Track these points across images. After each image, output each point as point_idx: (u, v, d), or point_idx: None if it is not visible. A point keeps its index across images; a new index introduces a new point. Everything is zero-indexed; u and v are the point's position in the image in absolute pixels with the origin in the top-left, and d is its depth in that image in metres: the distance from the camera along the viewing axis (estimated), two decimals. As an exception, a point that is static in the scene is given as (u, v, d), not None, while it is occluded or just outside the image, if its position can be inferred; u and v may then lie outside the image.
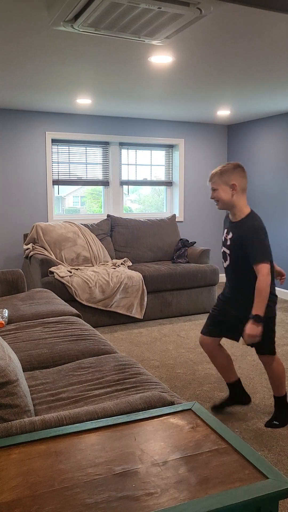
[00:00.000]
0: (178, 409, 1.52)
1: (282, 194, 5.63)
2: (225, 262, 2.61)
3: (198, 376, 3.40)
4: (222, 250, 2.62)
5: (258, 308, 2.40)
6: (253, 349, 3.92)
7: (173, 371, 3.48)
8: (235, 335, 2.69)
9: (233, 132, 6.41)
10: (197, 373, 3.44)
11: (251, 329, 2.39)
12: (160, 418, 1.47)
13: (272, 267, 2.48)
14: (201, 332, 2.78)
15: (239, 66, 3.40)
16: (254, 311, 2.40)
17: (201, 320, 4.78)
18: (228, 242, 2.54)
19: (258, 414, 2.82)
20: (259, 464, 1.21)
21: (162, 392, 1.91)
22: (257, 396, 3.06)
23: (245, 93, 4.35)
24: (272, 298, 2.52)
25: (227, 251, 2.55)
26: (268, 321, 2.53)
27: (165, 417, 1.48)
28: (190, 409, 1.53)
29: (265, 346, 2.59)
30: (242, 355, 3.79)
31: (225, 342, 4.04)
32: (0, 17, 2.46)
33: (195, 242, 5.50)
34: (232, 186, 2.47)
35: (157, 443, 1.33)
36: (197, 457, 1.26)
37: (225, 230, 2.61)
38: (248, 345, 2.51)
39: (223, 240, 2.60)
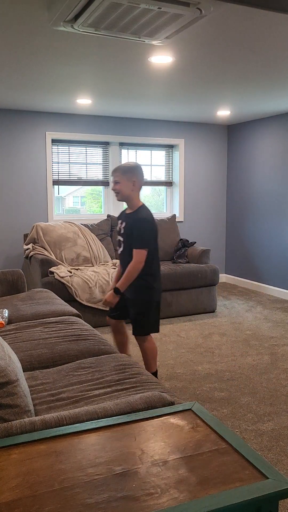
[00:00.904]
0: (178, 409, 1.52)
1: (282, 194, 5.63)
2: (119, 248, 3.01)
3: (198, 376, 3.40)
4: (117, 239, 3.02)
5: (122, 285, 2.86)
6: (253, 349, 3.93)
7: (173, 371, 3.48)
8: (127, 316, 3.10)
9: (233, 132, 6.41)
10: (197, 373, 3.44)
11: (109, 296, 2.90)
12: (160, 418, 1.47)
13: (153, 256, 2.89)
14: (108, 315, 3.18)
15: (239, 66, 3.40)
16: (118, 285, 2.86)
17: (201, 320, 4.79)
18: (122, 231, 2.95)
19: (258, 414, 2.82)
20: (259, 464, 1.21)
21: (162, 392, 1.91)
22: (257, 396, 3.07)
23: (245, 93, 4.35)
24: (158, 285, 2.95)
25: (121, 239, 2.96)
26: (150, 306, 2.93)
27: (165, 417, 1.48)
28: (190, 409, 1.53)
29: (139, 328, 2.98)
30: (242, 355, 3.79)
31: (233, 346, 4.04)
32: (0, 17, 2.46)
33: (195, 242, 5.51)
34: (133, 183, 2.89)
35: (157, 443, 1.33)
36: (197, 457, 1.26)
37: (119, 221, 3.01)
38: (134, 329, 2.97)
39: (118, 229, 3.01)
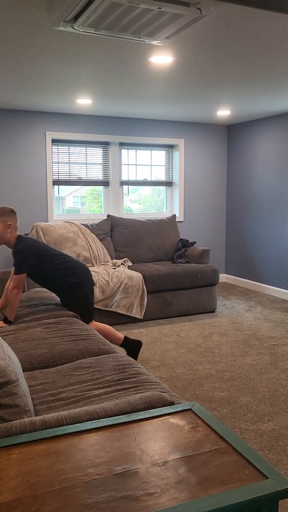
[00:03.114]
0: (178, 409, 1.52)
1: (282, 194, 5.63)
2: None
3: (198, 376, 3.40)
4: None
5: (8, 313, 3.08)
6: (253, 349, 3.93)
7: (173, 371, 3.48)
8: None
9: (233, 132, 6.41)
10: (197, 373, 3.44)
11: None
12: (160, 418, 1.47)
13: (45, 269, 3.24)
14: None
15: (239, 66, 3.40)
16: (6, 314, 3.11)
17: (201, 320, 4.79)
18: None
19: (258, 414, 2.82)
20: (259, 464, 1.21)
21: (162, 392, 1.91)
22: (257, 396, 3.07)
23: (245, 93, 4.35)
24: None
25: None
26: (76, 298, 3.29)
27: (165, 417, 1.48)
28: (190, 409, 1.53)
29: (83, 316, 3.32)
30: (242, 355, 3.79)
31: (233, 346, 4.03)
32: (0, 17, 2.46)
33: (195, 242, 5.51)
34: (8, 226, 3.13)
35: (157, 443, 1.33)
36: (197, 457, 1.26)
37: None
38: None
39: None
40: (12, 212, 3.15)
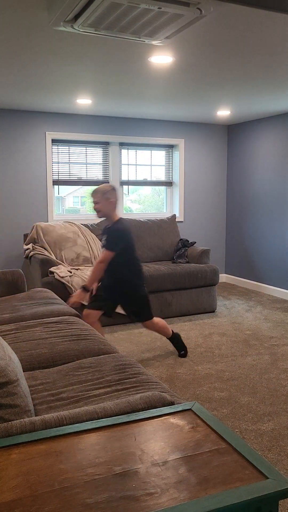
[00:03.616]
0: (178, 409, 1.52)
1: (282, 194, 5.63)
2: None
3: (198, 376, 3.40)
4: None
5: (90, 281, 3.34)
6: (253, 349, 3.93)
7: (173, 371, 3.48)
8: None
9: (233, 132, 6.41)
10: (197, 373, 3.44)
11: (78, 296, 3.34)
12: (160, 418, 1.47)
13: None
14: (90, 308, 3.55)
15: (239, 66, 3.40)
16: (86, 282, 3.36)
17: (201, 320, 4.79)
18: (104, 242, 3.37)
19: (258, 414, 2.82)
20: (259, 464, 1.21)
21: (162, 392, 1.91)
22: (257, 396, 3.07)
23: (245, 93, 4.35)
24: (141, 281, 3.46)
25: (103, 249, 3.40)
26: (139, 296, 3.45)
27: (165, 417, 1.48)
28: (190, 409, 1.53)
29: (140, 315, 3.51)
30: (242, 355, 3.79)
31: (233, 346, 4.03)
32: (0, 17, 2.46)
33: (195, 242, 5.51)
34: (110, 203, 3.33)
35: (157, 443, 1.33)
36: (197, 457, 1.26)
37: (103, 235, 3.44)
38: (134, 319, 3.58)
39: (101, 241, 3.45)
40: (113, 190, 3.37)
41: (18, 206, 5.35)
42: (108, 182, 3.29)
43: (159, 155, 6.20)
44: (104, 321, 4.54)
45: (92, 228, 5.25)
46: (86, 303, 3.48)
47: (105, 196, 3.33)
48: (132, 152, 5.98)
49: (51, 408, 1.81)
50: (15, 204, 5.33)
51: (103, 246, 3.34)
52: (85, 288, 3.34)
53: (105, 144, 5.79)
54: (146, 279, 3.57)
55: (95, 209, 3.37)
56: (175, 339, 3.74)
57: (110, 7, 2.11)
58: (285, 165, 5.57)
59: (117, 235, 3.31)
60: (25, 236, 5.18)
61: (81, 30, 2.39)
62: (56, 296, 3.69)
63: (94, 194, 3.35)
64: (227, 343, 4.09)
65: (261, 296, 5.80)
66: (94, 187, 6.01)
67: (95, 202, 3.35)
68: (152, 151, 6.12)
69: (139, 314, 3.50)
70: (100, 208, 3.35)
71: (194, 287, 4.95)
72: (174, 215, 5.79)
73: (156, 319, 3.58)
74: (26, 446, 1.32)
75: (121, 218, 3.39)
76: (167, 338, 3.71)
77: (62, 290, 4.35)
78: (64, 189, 5.86)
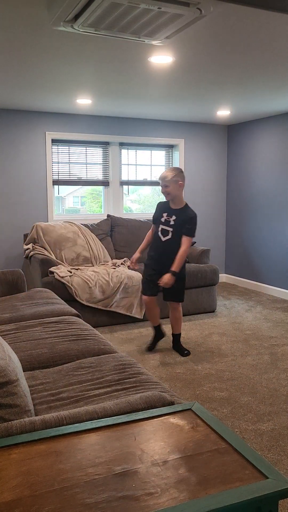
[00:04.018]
0: (178, 409, 1.52)
1: (282, 194, 5.63)
2: (164, 237, 3.65)
3: (198, 376, 3.40)
4: (162, 228, 3.66)
5: (177, 267, 3.52)
6: (253, 349, 3.93)
7: (173, 371, 3.48)
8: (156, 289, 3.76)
9: (233, 132, 6.41)
10: (197, 373, 3.44)
11: (169, 278, 3.50)
12: (160, 418, 1.47)
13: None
14: (146, 294, 3.77)
15: (239, 66, 3.40)
16: (174, 268, 3.52)
17: (201, 320, 4.79)
18: (172, 222, 3.61)
19: (258, 414, 2.82)
20: (259, 464, 1.21)
21: (162, 392, 1.91)
22: (257, 396, 3.07)
23: (245, 93, 4.35)
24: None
25: (170, 229, 3.62)
26: (184, 278, 3.71)
27: (165, 417, 1.48)
28: (190, 409, 1.53)
29: (182, 296, 3.74)
30: (242, 355, 3.79)
31: (233, 346, 4.03)
32: (0, 17, 2.46)
33: (195, 242, 5.50)
34: (180, 185, 3.57)
35: (157, 443, 1.33)
36: (197, 457, 1.26)
37: (165, 213, 3.66)
38: (166, 297, 3.76)
39: (164, 220, 3.66)
40: (181, 172, 3.59)
41: (18, 206, 5.35)
42: (172, 167, 3.60)
43: (159, 155, 6.20)
44: (104, 321, 4.54)
45: (92, 228, 5.25)
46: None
47: (174, 179, 3.54)
48: (132, 152, 5.98)
49: (51, 408, 1.81)
50: (15, 204, 5.33)
51: (185, 233, 3.54)
52: (174, 273, 3.50)
53: (105, 144, 5.79)
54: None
55: (164, 192, 3.58)
56: (177, 339, 3.90)
57: (110, 7, 2.11)
58: (285, 165, 5.57)
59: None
60: (25, 236, 5.18)
61: (81, 30, 2.39)
62: (56, 296, 3.69)
63: (163, 178, 3.54)
64: (227, 343, 4.09)
65: (261, 296, 5.80)
66: (94, 187, 6.05)
67: (164, 186, 3.55)
68: (152, 151, 6.12)
69: (177, 294, 3.70)
70: (170, 191, 3.56)
71: (194, 287, 4.95)
72: (174, 215, 5.78)
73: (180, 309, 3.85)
74: (26, 446, 1.32)
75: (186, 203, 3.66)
76: (173, 334, 3.88)
77: (62, 290, 4.35)
78: (64, 189, 5.86)
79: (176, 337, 3.89)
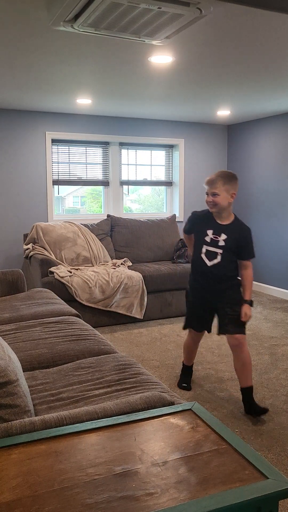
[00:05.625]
0: (178, 409, 1.52)
1: (282, 194, 5.63)
2: (210, 260, 2.86)
3: (198, 376, 3.40)
4: (208, 250, 2.86)
5: (249, 295, 2.82)
6: (253, 349, 3.92)
7: (173, 371, 3.48)
8: (208, 326, 3.05)
9: (233, 132, 6.41)
10: (197, 373, 3.44)
11: (249, 310, 2.80)
12: (160, 418, 1.47)
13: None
14: (191, 328, 3.06)
15: (239, 66, 3.40)
16: (247, 297, 2.81)
17: (201, 320, 4.78)
18: (222, 243, 2.82)
19: (258, 414, 2.82)
20: (259, 464, 1.21)
21: (162, 392, 1.91)
22: (257, 396, 3.07)
23: (245, 93, 4.35)
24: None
25: (219, 251, 2.83)
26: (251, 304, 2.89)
27: (165, 417, 1.48)
28: (190, 409, 1.53)
29: (242, 326, 2.85)
30: (242, 355, 3.79)
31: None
32: (0, 17, 2.46)
33: (195, 242, 5.50)
34: (232, 195, 2.78)
35: (157, 443, 1.33)
36: (197, 457, 1.26)
37: (210, 231, 2.85)
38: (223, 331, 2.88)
39: (210, 240, 2.85)
40: (236, 179, 2.80)
41: (18, 206, 5.35)
42: (224, 171, 2.84)
43: (159, 155, 6.20)
44: (104, 321, 4.54)
45: (92, 228, 5.25)
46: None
47: (226, 186, 2.75)
48: (132, 152, 5.98)
49: (51, 408, 1.81)
50: (15, 204, 5.33)
51: (245, 257, 2.80)
52: (251, 303, 2.81)
53: (105, 144, 5.79)
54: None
55: (211, 202, 2.78)
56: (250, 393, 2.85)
57: (110, 7, 2.11)
58: (285, 165, 5.57)
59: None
60: (25, 236, 5.18)
61: (81, 30, 2.39)
62: (56, 296, 3.69)
63: (211, 183, 2.78)
64: (227, 343, 4.09)
65: (261, 296, 5.80)
66: (94, 187, 6.05)
67: (212, 194, 2.77)
68: (152, 151, 6.12)
69: (241, 322, 2.82)
70: (219, 202, 2.75)
71: (194, 287, 4.95)
72: (174, 215, 5.78)
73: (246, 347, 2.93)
74: (26, 446, 1.32)
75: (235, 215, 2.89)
76: (243, 388, 2.84)
77: (62, 290, 4.35)
78: (64, 189, 5.86)
79: (248, 392, 2.82)
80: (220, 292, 2.86)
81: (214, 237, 2.83)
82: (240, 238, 2.79)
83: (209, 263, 2.85)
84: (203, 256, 2.87)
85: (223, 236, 2.80)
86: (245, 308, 2.79)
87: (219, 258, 2.82)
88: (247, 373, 2.81)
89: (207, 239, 2.85)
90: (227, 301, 2.84)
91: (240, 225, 2.83)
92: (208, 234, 2.85)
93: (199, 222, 2.92)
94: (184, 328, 3.07)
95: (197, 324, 3.03)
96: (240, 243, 2.79)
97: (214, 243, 2.83)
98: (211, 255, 2.84)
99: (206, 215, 2.90)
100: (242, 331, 2.82)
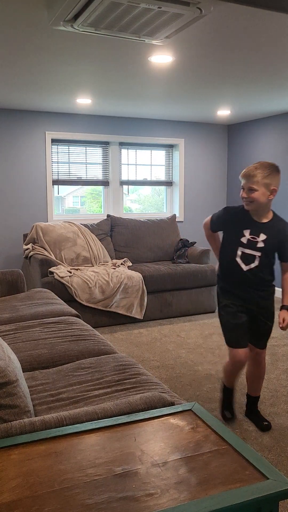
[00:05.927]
0: (178, 410, 1.52)
1: (282, 194, 5.63)
2: (246, 264, 2.50)
3: (198, 376, 3.39)
4: (243, 252, 2.48)
5: None
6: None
7: (173, 372, 3.47)
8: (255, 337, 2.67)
9: (233, 132, 6.41)
10: (197, 374, 3.44)
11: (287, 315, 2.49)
12: (160, 419, 1.47)
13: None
14: (240, 346, 2.56)
15: (239, 66, 3.40)
16: (286, 302, 2.52)
17: (201, 321, 4.78)
18: (261, 244, 2.46)
19: (258, 414, 2.82)
20: (259, 465, 1.21)
21: (162, 392, 1.90)
22: (257, 396, 3.06)
23: (245, 93, 4.35)
24: None
25: (257, 253, 2.47)
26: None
27: (165, 417, 1.48)
28: (190, 409, 1.52)
29: (267, 338, 2.67)
30: (242, 355, 3.78)
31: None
32: (0, 17, 2.45)
33: (195, 242, 5.50)
34: (272, 191, 2.41)
35: (157, 443, 1.33)
36: (197, 457, 1.26)
37: (247, 231, 2.48)
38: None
39: (247, 242, 2.47)
40: (278, 172, 2.42)
41: (17, 206, 5.34)
42: (264, 163, 2.47)
43: (159, 155, 6.19)
44: (104, 321, 4.54)
45: (92, 228, 5.25)
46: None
47: (266, 181, 2.37)
48: (132, 152, 5.98)
49: (50, 408, 1.80)
50: (15, 204, 5.33)
51: (261, 256, 2.47)
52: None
53: (105, 144, 5.79)
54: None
55: (247, 198, 2.41)
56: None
57: (110, 6, 2.11)
58: (285, 165, 5.56)
59: None
60: (25, 236, 5.18)
61: (81, 29, 2.38)
62: (56, 297, 3.68)
63: (249, 177, 2.40)
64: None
65: (261, 296, 5.79)
66: (94, 187, 6.05)
67: (249, 189, 2.40)
68: (152, 151, 6.12)
69: (268, 336, 2.65)
70: (256, 198, 2.39)
71: (194, 287, 4.95)
72: (174, 215, 5.78)
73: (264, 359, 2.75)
74: (26, 446, 1.32)
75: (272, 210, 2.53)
76: (249, 396, 2.78)
77: (62, 290, 4.35)
78: (64, 189, 5.86)
79: (254, 401, 2.77)
80: (256, 299, 2.54)
81: (252, 237, 2.46)
82: (282, 238, 2.46)
83: (245, 268, 2.49)
84: (238, 259, 2.49)
85: (262, 237, 2.45)
86: (284, 313, 2.49)
87: (256, 262, 2.48)
88: (259, 385, 2.72)
89: (244, 240, 2.48)
90: (262, 312, 2.58)
91: (280, 221, 2.49)
92: (244, 234, 2.48)
93: (233, 220, 2.53)
94: (232, 346, 2.58)
95: (240, 340, 2.56)
96: (283, 243, 2.46)
97: (251, 244, 2.47)
98: (247, 259, 2.48)
99: (241, 212, 2.50)
100: (265, 344, 2.65)
